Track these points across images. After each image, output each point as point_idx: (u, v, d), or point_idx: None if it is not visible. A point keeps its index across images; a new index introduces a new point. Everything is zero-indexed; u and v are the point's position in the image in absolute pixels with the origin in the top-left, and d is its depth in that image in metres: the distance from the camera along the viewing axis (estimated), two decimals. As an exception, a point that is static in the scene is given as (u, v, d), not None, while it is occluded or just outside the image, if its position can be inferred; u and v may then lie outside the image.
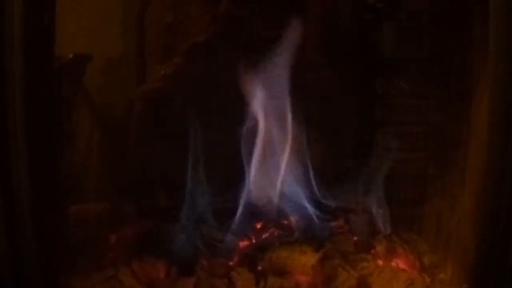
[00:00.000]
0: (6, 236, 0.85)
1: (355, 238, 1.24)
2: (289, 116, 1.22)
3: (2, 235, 0.85)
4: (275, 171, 1.22)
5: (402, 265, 1.19)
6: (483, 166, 0.95)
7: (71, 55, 1.21)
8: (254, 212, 1.21)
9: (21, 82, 0.83)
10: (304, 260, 1.13)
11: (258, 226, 1.24)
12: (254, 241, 1.21)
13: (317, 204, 1.23)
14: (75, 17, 1.18)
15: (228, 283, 1.11)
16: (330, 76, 1.32)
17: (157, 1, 1.36)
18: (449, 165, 1.22)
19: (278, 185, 1.21)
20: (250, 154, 1.21)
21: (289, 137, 1.22)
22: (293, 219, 1.25)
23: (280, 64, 1.21)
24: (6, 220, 0.85)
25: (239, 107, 1.22)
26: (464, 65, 1.15)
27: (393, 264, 1.18)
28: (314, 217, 1.22)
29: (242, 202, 1.19)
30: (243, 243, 1.21)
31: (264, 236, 1.22)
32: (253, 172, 1.21)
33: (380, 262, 1.18)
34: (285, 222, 1.25)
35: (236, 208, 1.20)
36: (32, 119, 0.85)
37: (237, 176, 1.22)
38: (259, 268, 1.14)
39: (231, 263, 1.15)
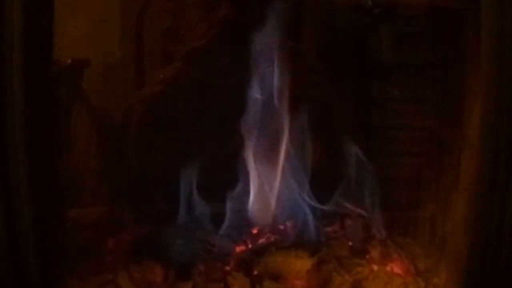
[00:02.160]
0: (6, 240, 0.86)
1: (350, 243, 1.25)
2: (286, 121, 1.23)
3: (2, 239, 0.85)
4: (271, 176, 1.22)
5: (396, 269, 1.19)
6: (475, 171, 0.96)
7: (69, 60, 1.22)
8: (250, 217, 1.23)
9: (20, 87, 0.83)
10: (300, 265, 1.14)
11: (254, 231, 1.24)
12: (250, 246, 1.22)
13: (313, 209, 1.24)
14: (73, 22, 1.19)
15: (224, 287, 1.12)
16: (326, 81, 1.32)
17: (156, 6, 1.36)
18: (444, 170, 1.23)
19: (275, 190, 1.22)
20: (247, 159, 1.22)
21: (286, 142, 1.23)
22: (289, 224, 1.26)
23: (277, 68, 1.21)
24: (6, 224, 0.86)
25: (237, 112, 1.23)
26: (459, 71, 1.16)
27: (388, 268, 1.19)
28: (310, 222, 1.23)
29: (238, 207, 1.20)
30: (239, 248, 1.21)
31: (260, 241, 1.23)
32: (250, 177, 1.22)
33: (375, 267, 1.19)
34: (281, 227, 1.26)
35: (232, 213, 1.21)
36: (31, 124, 0.85)
37: (235, 181, 1.23)
38: (255, 272, 1.14)
39: (227, 268, 1.16)
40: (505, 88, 0.90)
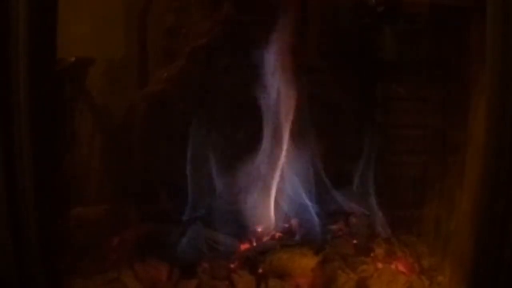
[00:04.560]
0: (10, 239, 0.86)
1: (354, 241, 1.25)
2: (289, 119, 1.23)
3: (7, 238, 0.86)
4: (276, 175, 1.23)
5: (401, 267, 1.20)
6: (480, 169, 0.96)
7: (73, 59, 1.22)
8: (255, 215, 1.23)
9: (25, 85, 0.84)
10: (304, 263, 1.15)
11: (259, 229, 1.25)
12: (255, 244, 1.22)
13: (318, 207, 1.25)
14: (77, 21, 1.19)
15: (229, 285, 1.12)
16: (329, 79, 1.32)
17: (159, 5, 1.36)
18: (448, 168, 1.23)
19: (280, 188, 1.23)
20: (252, 157, 1.23)
21: (290, 140, 1.24)
22: (293, 222, 1.26)
23: (280, 68, 1.21)
24: (11, 223, 0.86)
25: (241, 110, 1.23)
26: (463, 69, 1.16)
27: (392, 266, 1.19)
28: (315, 220, 1.23)
29: (243, 206, 1.21)
30: (244, 246, 1.22)
31: (265, 239, 1.23)
32: (254, 175, 1.22)
33: (380, 265, 1.19)
34: (286, 225, 1.27)
35: (237, 211, 1.21)
36: (36, 122, 0.86)
37: (238, 179, 1.23)
38: (260, 270, 1.15)
39: (232, 266, 1.16)
40: (509, 86, 0.90)
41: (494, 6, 0.90)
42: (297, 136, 1.23)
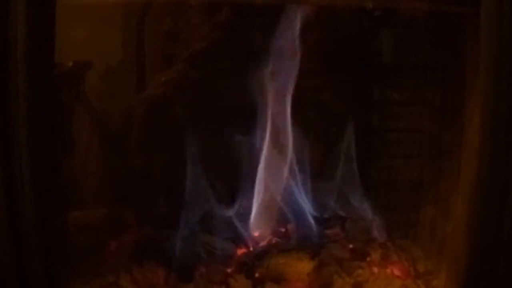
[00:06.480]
0: (10, 242, 0.86)
1: (350, 245, 1.26)
2: (286, 124, 1.24)
3: (6, 240, 0.86)
4: (272, 179, 1.23)
5: (396, 272, 1.20)
6: (475, 174, 0.96)
7: (70, 63, 1.22)
8: (252, 219, 1.23)
9: (24, 90, 0.84)
10: (301, 267, 1.15)
11: (256, 233, 1.25)
12: (251, 248, 1.23)
13: (314, 212, 1.25)
14: (75, 25, 1.19)
15: (225, 289, 1.13)
16: (326, 83, 1.33)
17: (157, 9, 1.36)
18: (444, 173, 1.23)
19: (276, 193, 1.23)
20: (249, 162, 1.23)
21: (287, 144, 1.24)
22: (290, 227, 1.27)
23: (277, 71, 1.22)
24: (11, 226, 0.86)
25: (238, 115, 1.24)
26: (459, 74, 1.16)
27: (388, 271, 1.20)
28: (311, 224, 1.23)
29: (240, 210, 1.21)
30: (240, 251, 1.22)
31: (261, 243, 1.24)
32: (251, 180, 1.23)
33: (375, 269, 1.20)
34: (282, 229, 1.27)
35: (234, 216, 1.22)
36: (35, 126, 0.86)
37: (237, 183, 1.24)
38: (257, 275, 1.16)
39: (229, 270, 1.17)
40: (503, 91, 0.90)
41: (488, 12, 0.90)
42: (293, 140, 1.24)
